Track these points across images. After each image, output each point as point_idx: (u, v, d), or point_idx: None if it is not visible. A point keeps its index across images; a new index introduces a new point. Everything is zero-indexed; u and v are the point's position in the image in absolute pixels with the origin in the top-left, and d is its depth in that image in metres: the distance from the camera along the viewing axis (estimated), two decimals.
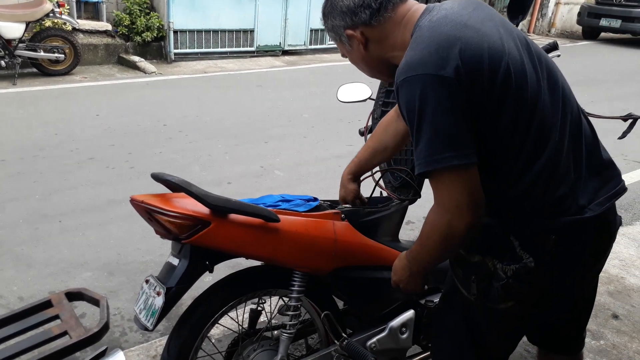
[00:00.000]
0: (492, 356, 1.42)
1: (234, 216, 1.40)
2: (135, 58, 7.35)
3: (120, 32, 7.51)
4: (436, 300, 1.80)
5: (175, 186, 1.36)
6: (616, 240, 1.36)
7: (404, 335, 1.77)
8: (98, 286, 2.54)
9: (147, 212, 1.38)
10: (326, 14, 1.26)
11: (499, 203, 1.21)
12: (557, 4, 12.91)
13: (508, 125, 1.11)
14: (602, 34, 12.37)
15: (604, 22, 11.37)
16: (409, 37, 1.15)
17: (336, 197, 1.79)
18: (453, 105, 1.05)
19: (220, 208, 1.37)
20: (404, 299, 1.79)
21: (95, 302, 1.45)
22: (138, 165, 3.98)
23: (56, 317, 1.38)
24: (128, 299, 2.46)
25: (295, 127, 5.08)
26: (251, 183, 3.79)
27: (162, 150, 4.29)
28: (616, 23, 11.17)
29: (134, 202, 1.41)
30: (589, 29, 11.98)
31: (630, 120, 1.73)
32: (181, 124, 4.96)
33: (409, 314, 1.78)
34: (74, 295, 1.49)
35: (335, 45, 1.32)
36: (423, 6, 1.20)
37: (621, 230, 2.24)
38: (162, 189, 1.44)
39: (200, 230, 1.36)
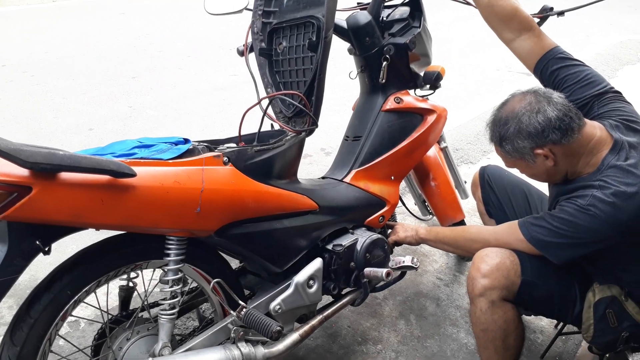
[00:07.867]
0: None
1: (66, 175, 1.00)
2: None
3: None
4: (344, 243, 1.57)
5: None
6: None
7: (313, 289, 1.53)
8: None
9: None
10: (508, 136, 1.37)
11: None
12: None
13: None
14: None
15: None
16: (596, 160, 1.35)
17: (221, 137, 1.42)
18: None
19: (44, 166, 0.96)
20: (308, 248, 1.52)
21: None
22: None
23: None
24: None
25: (168, 59, 4.47)
26: (118, 127, 3.23)
27: (1, 96, 3.52)
28: None
29: None
30: None
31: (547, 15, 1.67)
32: (26, 63, 4.14)
33: (316, 263, 1.54)
34: None
35: None
36: (608, 138, 1.36)
37: None
38: None
39: (18, 200, 0.96)
